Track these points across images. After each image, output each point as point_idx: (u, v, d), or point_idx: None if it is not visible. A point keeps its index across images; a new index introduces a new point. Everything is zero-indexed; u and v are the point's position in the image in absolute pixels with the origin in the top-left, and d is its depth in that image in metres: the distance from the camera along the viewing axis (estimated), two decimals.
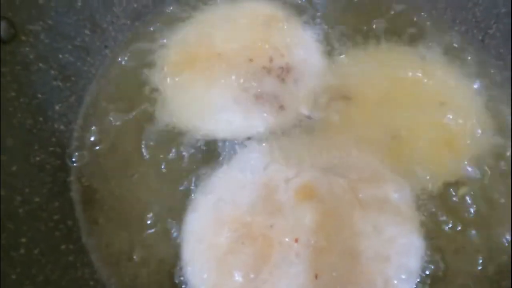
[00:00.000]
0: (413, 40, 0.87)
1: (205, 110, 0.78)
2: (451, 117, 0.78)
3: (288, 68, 0.81)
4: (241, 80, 0.79)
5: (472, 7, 0.87)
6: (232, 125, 0.77)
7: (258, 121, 0.77)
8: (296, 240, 0.63)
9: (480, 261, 0.67)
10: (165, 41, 0.87)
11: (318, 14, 0.90)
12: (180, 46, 0.85)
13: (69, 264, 0.65)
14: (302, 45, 0.85)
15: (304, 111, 0.79)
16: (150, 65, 0.85)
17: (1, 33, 0.68)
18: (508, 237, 0.69)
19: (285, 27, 0.87)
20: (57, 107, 0.77)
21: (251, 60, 0.81)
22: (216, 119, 0.78)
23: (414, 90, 0.81)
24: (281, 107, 0.78)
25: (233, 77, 0.79)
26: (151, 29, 0.90)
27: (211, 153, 0.75)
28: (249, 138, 0.77)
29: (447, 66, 0.84)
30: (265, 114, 0.77)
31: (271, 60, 0.81)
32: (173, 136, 0.77)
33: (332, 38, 0.87)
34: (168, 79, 0.82)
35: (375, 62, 0.84)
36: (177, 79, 0.81)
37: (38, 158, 0.71)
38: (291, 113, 0.79)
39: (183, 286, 0.65)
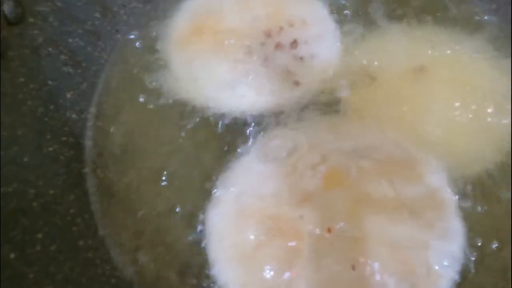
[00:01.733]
0: (441, 19, 0.82)
1: (217, 85, 0.75)
2: (485, 101, 0.73)
3: (302, 42, 0.77)
4: (253, 54, 0.75)
5: None
6: (245, 100, 0.74)
7: (272, 96, 0.73)
8: (329, 230, 0.59)
9: None
10: (175, 18, 0.83)
11: None
12: (189, 20, 0.82)
13: (89, 261, 0.60)
14: (318, 19, 0.81)
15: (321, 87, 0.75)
16: (162, 47, 0.81)
17: (8, 13, 0.63)
18: None
19: (299, 0, 0.83)
20: (68, 95, 0.73)
21: (263, 32, 0.77)
22: (229, 95, 0.74)
23: (443, 71, 0.76)
24: (296, 83, 0.74)
25: (244, 50, 0.76)
26: (163, 11, 0.86)
27: (231, 138, 0.71)
28: (265, 116, 0.73)
29: (477, 46, 0.80)
30: (280, 89, 0.73)
31: (283, 33, 0.77)
32: (192, 116, 0.73)
33: (350, 14, 0.83)
34: (179, 55, 0.79)
35: (399, 41, 0.80)
36: (187, 54, 0.78)
37: (50, 149, 0.66)
38: (307, 89, 0.75)
39: (211, 285, 0.61)
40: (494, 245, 0.63)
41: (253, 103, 0.74)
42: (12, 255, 0.51)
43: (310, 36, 0.78)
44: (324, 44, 0.79)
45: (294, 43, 0.76)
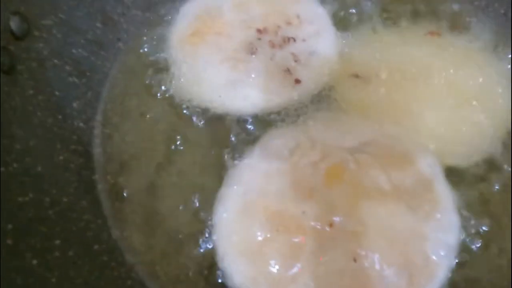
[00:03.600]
0: (430, 16, 0.85)
1: (220, 86, 0.77)
2: (472, 96, 0.75)
3: (300, 40, 0.79)
4: (253, 53, 0.77)
5: None
6: (247, 100, 0.76)
7: (273, 95, 0.75)
8: (330, 225, 0.62)
9: None
10: (175, 23, 0.85)
11: None
12: (189, 23, 0.83)
13: (104, 264, 0.63)
14: (315, 17, 0.83)
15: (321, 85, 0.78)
16: (164, 52, 0.83)
17: (14, 28, 0.65)
18: None
19: None
20: (75, 104, 0.75)
21: (261, 32, 0.79)
22: (231, 95, 0.76)
23: (433, 70, 0.79)
24: (297, 81, 0.76)
25: (244, 50, 0.78)
26: (163, 17, 0.88)
27: (235, 138, 0.74)
28: (266, 115, 0.75)
29: (467, 43, 0.82)
30: (281, 88, 0.75)
31: (282, 31, 0.79)
32: (198, 118, 0.76)
33: (347, 14, 0.86)
34: (181, 59, 0.80)
35: (390, 37, 0.83)
36: (189, 58, 0.80)
37: (61, 157, 0.69)
38: (308, 87, 0.77)
39: (219, 280, 0.64)
40: (489, 235, 0.66)
41: (255, 103, 0.75)
42: (34, 262, 0.53)
43: (308, 34, 0.80)
44: (322, 41, 0.81)
45: (293, 41, 0.78)
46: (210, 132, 0.75)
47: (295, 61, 0.77)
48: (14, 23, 0.65)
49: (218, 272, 0.64)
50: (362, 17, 0.86)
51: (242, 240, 0.63)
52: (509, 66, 0.80)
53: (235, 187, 0.68)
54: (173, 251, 0.67)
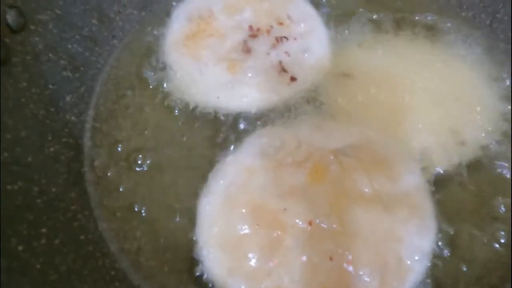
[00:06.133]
0: (418, 24, 0.87)
1: (214, 85, 0.78)
2: (456, 102, 0.78)
3: (292, 38, 0.81)
4: (246, 53, 0.79)
5: None
6: (244, 99, 0.77)
7: (271, 93, 0.77)
8: (310, 223, 0.63)
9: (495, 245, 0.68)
10: (171, 23, 0.87)
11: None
12: (184, 24, 0.85)
13: (90, 254, 0.65)
14: (306, 16, 0.86)
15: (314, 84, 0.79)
16: (158, 51, 0.85)
17: (11, 22, 0.67)
18: None
19: (285, 0, 0.87)
20: (68, 98, 0.77)
21: (254, 32, 0.81)
22: (226, 94, 0.77)
23: (420, 74, 0.81)
24: (293, 78, 0.78)
25: (238, 50, 0.80)
26: (158, 17, 0.90)
27: (225, 136, 0.76)
28: (263, 114, 0.76)
29: (454, 51, 0.85)
30: (277, 86, 0.77)
31: (274, 31, 0.82)
32: (188, 116, 0.78)
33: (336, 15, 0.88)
34: (174, 58, 0.82)
35: (379, 42, 0.85)
36: (182, 57, 0.81)
37: (52, 149, 0.70)
38: (301, 85, 0.78)
39: (200, 272, 0.65)
40: (464, 242, 0.67)
41: (252, 101, 0.77)
42: (20, 247, 0.55)
43: (300, 32, 0.83)
44: (314, 39, 0.83)
45: (285, 40, 0.80)
46: (202, 130, 0.77)
47: (289, 58, 0.79)
48: (10, 17, 0.66)
49: (200, 265, 0.65)
50: (353, 21, 0.88)
51: (222, 232, 0.65)
52: (494, 73, 0.82)
53: (220, 181, 0.70)
54: (157, 243, 0.68)
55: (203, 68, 0.79)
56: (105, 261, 0.66)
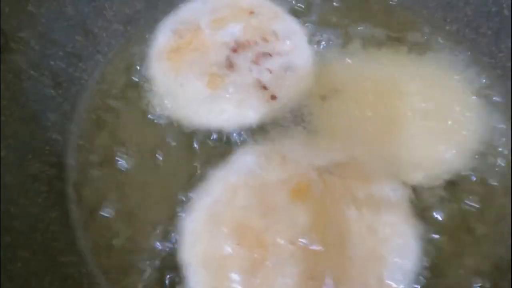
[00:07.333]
0: (403, 39, 0.87)
1: (197, 101, 0.78)
2: (442, 116, 0.78)
3: (276, 55, 0.81)
4: (229, 68, 0.79)
5: (463, 6, 0.88)
6: (223, 115, 0.77)
7: (250, 110, 0.77)
8: (292, 242, 0.63)
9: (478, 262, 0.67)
10: (155, 38, 0.87)
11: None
12: (168, 38, 0.85)
13: (68, 275, 0.64)
14: (291, 33, 0.86)
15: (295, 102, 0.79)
16: (142, 66, 0.85)
17: None
18: (508, 242, 0.69)
19: (272, 16, 0.87)
20: (50, 115, 0.76)
21: (238, 48, 0.81)
22: (208, 110, 0.77)
23: (405, 89, 0.81)
24: (273, 97, 0.78)
25: (221, 66, 0.79)
26: (143, 32, 0.90)
27: (210, 151, 0.76)
28: (242, 131, 0.76)
29: (438, 65, 0.85)
30: (256, 103, 0.77)
31: (258, 47, 0.82)
32: (172, 131, 0.78)
33: (321, 31, 0.88)
34: (159, 73, 0.82)
35: (364, 58, 0.85)
36: (167, 72, 0.81)
37: (33, 168, 0.69)
38: (282, 104, 0.78)
39: None
40: (447, 262, 0.67)
41: (231, 118, 0.77)
42: None
43: (284, 50, 0.83)
44: (297, 57, 0.83)
45: (269, 57, 0.80)
46: (184, 145, 0.77)
47: (271, 76, 0.79)
48: None
49: (181, 282, 0.65)
50: (337, 37, 0.88)
51: (205, 250, 0.65)
52: (479, 86, 0.82)
53: (203, 198, 0.70)
54: (138, 264, 0.67)
55: (184, 82, 0.79)
56: (84, 283, 0.65)
